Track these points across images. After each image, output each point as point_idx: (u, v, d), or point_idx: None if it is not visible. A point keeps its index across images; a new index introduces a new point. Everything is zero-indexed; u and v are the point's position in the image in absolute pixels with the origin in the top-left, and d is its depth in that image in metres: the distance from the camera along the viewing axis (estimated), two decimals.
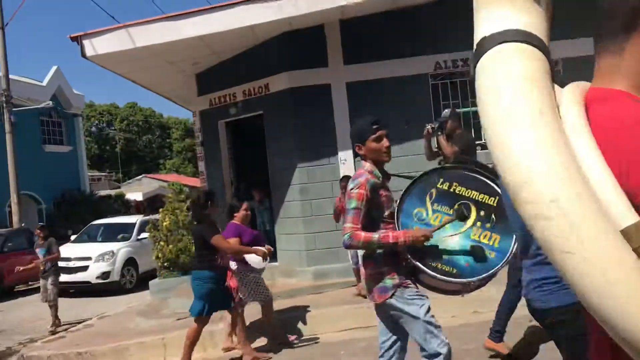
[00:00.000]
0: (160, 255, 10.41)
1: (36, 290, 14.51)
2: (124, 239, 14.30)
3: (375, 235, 3.06)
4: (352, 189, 3.15)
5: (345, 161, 8.24)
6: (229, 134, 9.84)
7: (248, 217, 6.48)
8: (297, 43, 8.36)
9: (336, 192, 8.19)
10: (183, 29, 7.70)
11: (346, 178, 7.38)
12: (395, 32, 8.32)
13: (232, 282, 6.02)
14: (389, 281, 3.15)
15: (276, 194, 8.87)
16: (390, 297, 3.14)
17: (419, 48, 8.30)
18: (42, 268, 9.30)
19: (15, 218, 18.08)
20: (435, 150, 7.51)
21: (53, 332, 8.96)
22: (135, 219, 15.57)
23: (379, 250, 3.16)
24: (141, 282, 13.27)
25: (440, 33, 8.34)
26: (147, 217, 14.90)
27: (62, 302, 12.64)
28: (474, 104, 8.24)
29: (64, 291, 13.48)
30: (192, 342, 5.85)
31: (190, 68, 9.50)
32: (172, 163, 56.27)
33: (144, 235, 13.32)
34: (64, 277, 13.21)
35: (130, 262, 13.74)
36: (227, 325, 6.42)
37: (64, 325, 9.49)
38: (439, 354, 3.08)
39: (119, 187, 36.97)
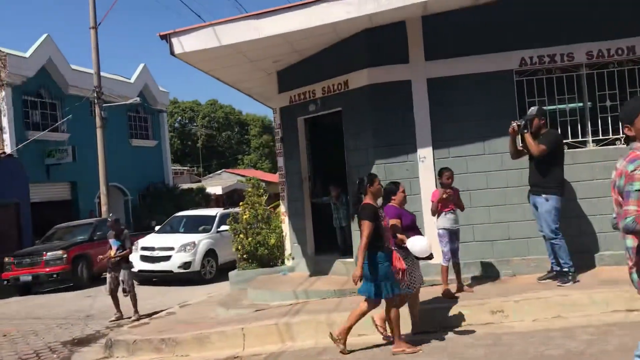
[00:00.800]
0: (239, 247, 10.71)
1: None
2: (204, 231, 14.79)
3: None
4: (633, 170, 2.93)
5: (425, 159, 8.12)
6: (307, 131, 9.94)
7: (405, 199, 6.43)
8: (378, 39, 8.32)
9: (415, 190, 8.10)
10: (266, 28, 7.83)
11: (446, 169, 7.23)
12: (478, 27, 8.12)
13: (399, 264, 5.80)
14: None
15: (353, 190, 8.88)
16: None
17: (503, 43, 8.05)
18: (112, 260, 9.76)
19: (104, 208, 19.08)
20: (520, 148, 7.30)
21: (137, 319, 9.41)
22: (215, 211, 16.05)
23: None
24: (220, 273, 13.69)
25: (526, 28, 8.07)
26: (227, 210, 15.35)
27: (146, 289, 13.30)
28: (561, 102, 7.98)
29: (147, 279, 14.16)
30: (356, 319, 5.86)
31: (272, 66, 9.66)
32: (250, 159, 57.53)
33: (223, 227, 13.74)
34: (148, 266, 13.91)
35: (210, 253, 14.20)
36: (381, 312, 6.14)
37: (144, 313, 9.90)
38: None
39: (200, 181, 38.15)
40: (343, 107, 8.84)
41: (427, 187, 7.98)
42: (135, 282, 14.14)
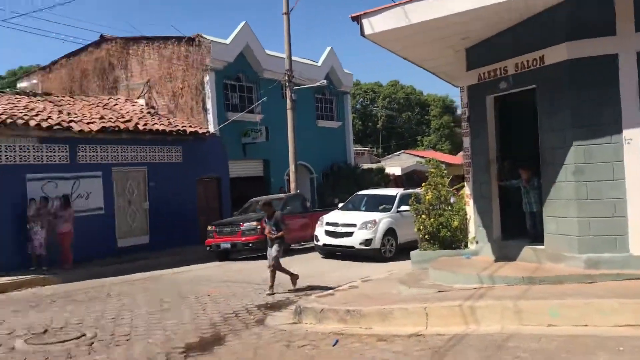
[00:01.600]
0: (421, 227, 10.72)
1: (308, 250, 16.21)
2: (385, 210, 15.01)
3: None
4: None
5: (631, 141, 7.37)
6: (496, 110, 9.56)
7: None
8: (579, 10, 7.68)
9: (618, 175, 7.42)
10: (455, 3, 7.65)
11: None
12: None
13: None
14: None
15: (546, 173, 8.37)
16: None
17: None
18: (270, 238, 10.42)
19: (292, 185, 20.30)
20: None
21: (271, 294, 10.00)
22: (395, 191, 16.20)
23: None
24: (399, 252, 13.84)
25: None
26: (408, 191, 15.41)
27: (330, 263, 13.95)
28: None
29: (331, 253, 14.84)
30: None
31: (460, 42, 9.42)
32: (430, 140, 56.96)
33: (404, 207, 13.84)
34: (332, 240, 14.55)
35: (390, 232, 14.39)
36: None
37: (327, 285, 10.37)
38: None
39: (379, 162, 38.71)
40: (538, 84, 8.35)
41: (634, 172, 7.26)
42: (320, 255, 15.03)
